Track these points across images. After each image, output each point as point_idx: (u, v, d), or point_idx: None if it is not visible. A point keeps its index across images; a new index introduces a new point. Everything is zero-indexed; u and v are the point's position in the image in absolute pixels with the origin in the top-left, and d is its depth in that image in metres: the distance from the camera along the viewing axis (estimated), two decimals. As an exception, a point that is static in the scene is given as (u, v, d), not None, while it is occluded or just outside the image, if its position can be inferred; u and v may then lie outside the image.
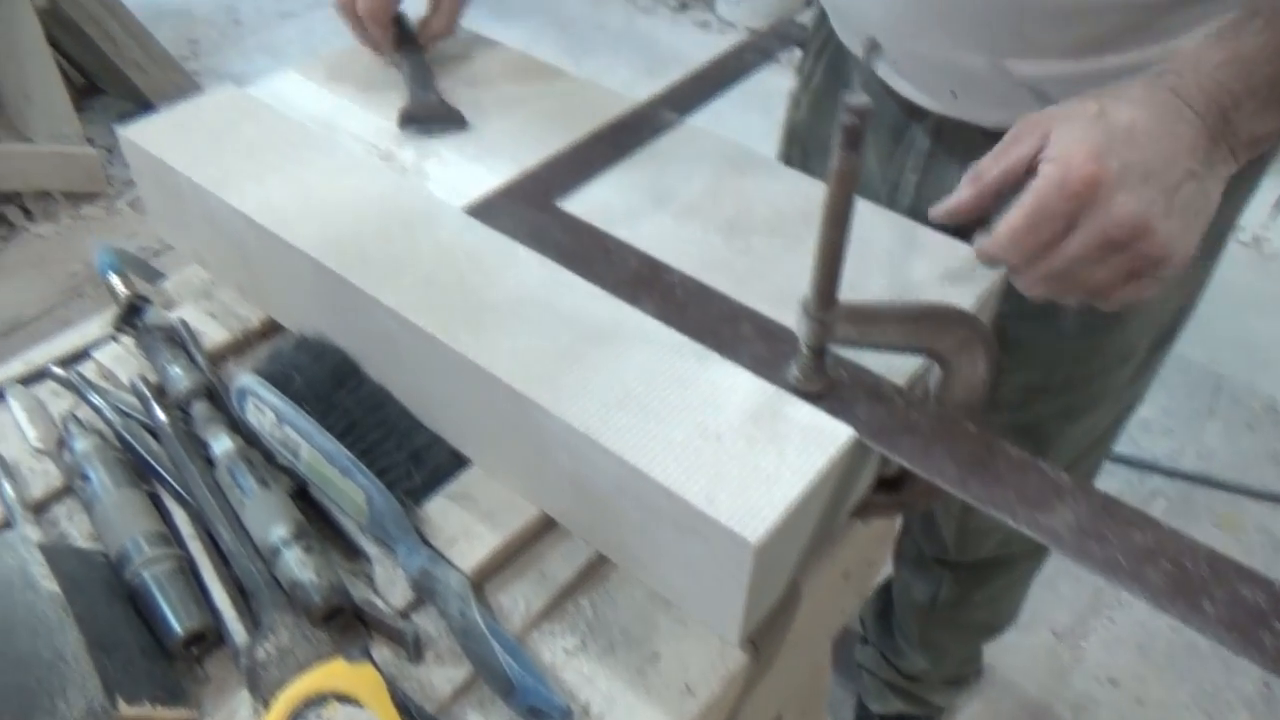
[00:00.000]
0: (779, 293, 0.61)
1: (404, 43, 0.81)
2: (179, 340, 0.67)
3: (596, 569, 0.59)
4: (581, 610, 0.57)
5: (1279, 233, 2.18)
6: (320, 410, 0.60)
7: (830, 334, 0.51)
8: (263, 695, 0.49)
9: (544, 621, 0.56)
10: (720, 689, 0.54)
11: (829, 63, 0.87)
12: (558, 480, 0.56)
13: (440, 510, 0.59)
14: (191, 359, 0.65)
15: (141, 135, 0.71)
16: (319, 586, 0.52)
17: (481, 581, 0.57)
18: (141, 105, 2.34)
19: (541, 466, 0.56)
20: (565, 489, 0.56)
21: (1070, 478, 0.49)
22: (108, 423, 0.62)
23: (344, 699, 0.48)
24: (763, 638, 0.57)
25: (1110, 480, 1.69)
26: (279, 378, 0.62)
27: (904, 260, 0.64)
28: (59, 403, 0.66)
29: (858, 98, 0.42)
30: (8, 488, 0.59)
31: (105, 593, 0.53)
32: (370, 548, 0.58)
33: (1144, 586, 0.45)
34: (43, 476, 0.62)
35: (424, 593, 0.55)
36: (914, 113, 0.76)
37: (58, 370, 0.67)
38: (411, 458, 0.60)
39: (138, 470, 0.60)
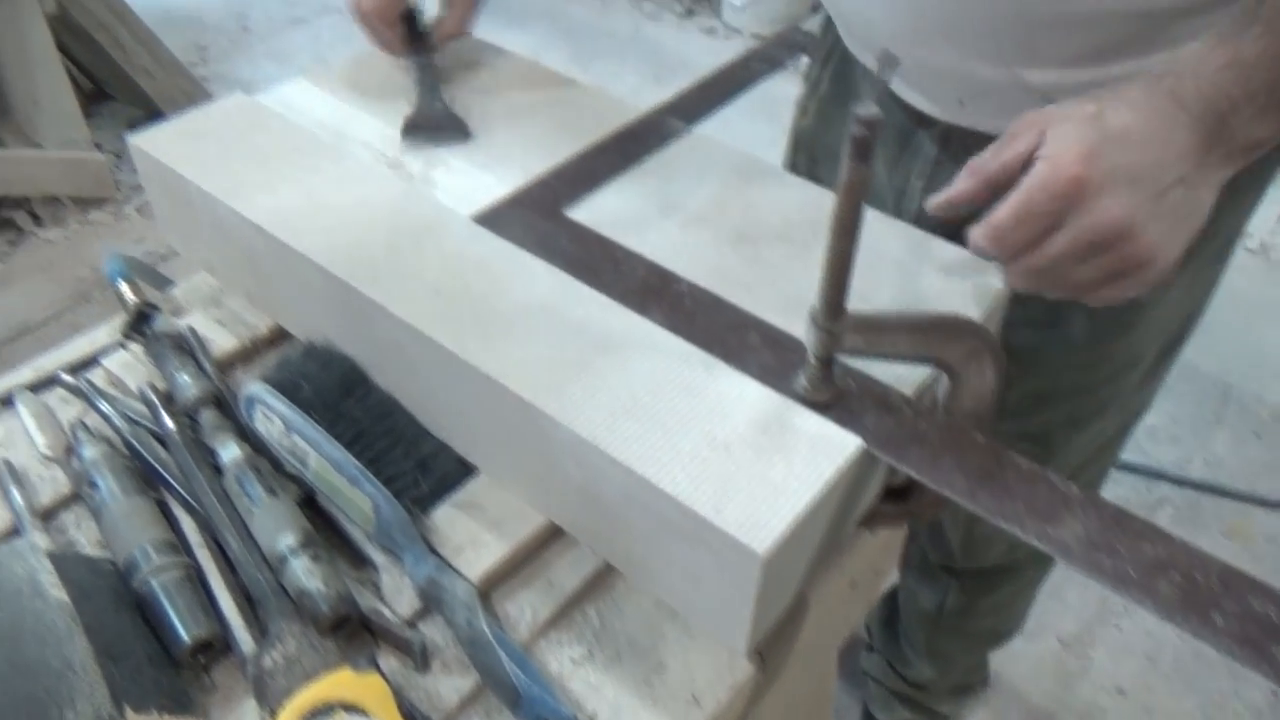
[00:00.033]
0: (787, 302, 0.61)
1: (415, 44, 0.80)
2: (187, 348, 0.67)
3: (604, 578, 0.59)
4: (588, 620, 0.57)
5: (1287, 240, 2.18)
6: (328, 418, 0.60)
7: (839, 344, 0.51)
8: (269, 704, 0.49)
9: (551, 631, 0.56)
10: (727, 699, 0.54)
11: (836, 70, 0.87)
12: (565, 489, 0.56)
13: (447, 519, 0.59)
14: (200, 367, 0.66)
15: (151, 143, 0.71)
16: (326, 595, 0.52)
17: (488, 590, 0.57)
18: (150, 111, 2.35)
19: (549, 475, 0.56)
20: (572, 498, 0.56)
21: (1079, 489, 0.49)
22: (116, 430, 0.63)
23: (351, 708, 0.48)
24: (770, 648, 0.57)
25: (1117, 488, 1.68)
26: (287, 386, 0.62)
27: (912, 269, 0.64)
28: (68, 409, 0.66)
29: (868, 109, 0.42)
30: (16, 495, 0.60)
31: (113, 601, 0.53)
32: (377, 556, 0.58)
33: (1154, 599, 0.45)
34: (51, 483, 0.62)
35: (431, 602, 0.55)
36: (921, 120, 0.76)
37: (67, 377, 0.67)
38: (419, 466, 0.60)
39: (146, 478, 0.60)
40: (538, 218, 0.67)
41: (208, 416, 0.62)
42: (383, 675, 0.51)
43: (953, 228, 0.61)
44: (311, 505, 0.60)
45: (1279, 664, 0.42)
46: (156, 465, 0.60)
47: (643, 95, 2.69)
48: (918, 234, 0.67)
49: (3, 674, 0.46)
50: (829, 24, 0.85)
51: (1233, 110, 0.53)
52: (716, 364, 0.56)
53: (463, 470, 0.62)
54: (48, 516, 0.60)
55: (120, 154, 2.26)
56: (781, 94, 0.92)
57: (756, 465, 0.50)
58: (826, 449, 0.51)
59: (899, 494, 0.61)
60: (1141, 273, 0.54)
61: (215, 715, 0.51)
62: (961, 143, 0.74)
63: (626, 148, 0.73)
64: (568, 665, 0.55)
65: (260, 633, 0.53)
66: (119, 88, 2.36)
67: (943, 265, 0.64)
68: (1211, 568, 0.46)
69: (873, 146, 0.43)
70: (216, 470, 0.60)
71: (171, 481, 0.59)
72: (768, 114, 1.10)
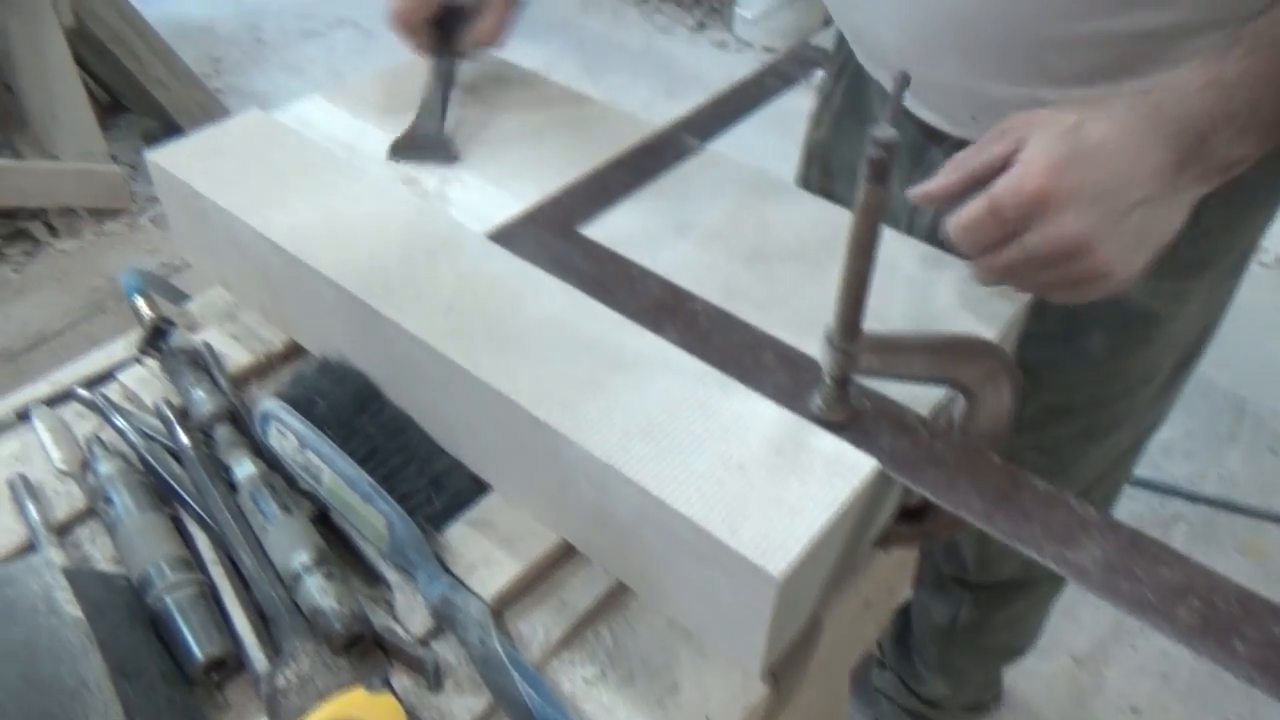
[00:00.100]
0: (802, 320, 0.61)
1: (442, 50, 0.80)
2: (203, 363, 0.67)
3: (617, 597, 0.58)
4: (601, 639, 0.57)
5: (1302, 254, 2.17)
6: (342, 435, 0.60)
7: (854, 365, 0.51)
8: (283, 723, 0.49)
9: (563, 650, 0.56)
10: (741, 721, 0.53)
11: (849, 82, 0.87)
12: (578, 508, 0.56)
13: (460, 537, 0.59)
14: (215, 382, 0.66)
15: (168, 159, 0.72)
16: (340, 614, 0.52)
17: (501, 609, 0.57)
18: (165, 123, 2.37)
19: (562, 494, 0.56)
20: (586, 517, 0.56)
21: (1096, 511, 0.49)
22: (131, 445, 0.63)
23: (364, 728, 0.48)
24: (784, 669, 0.57)
25: (1131, 504, 1.67)
26: (302, 402, 0.62)
27: (927, 288, 0.64)
28: (83, 424, 0.67)
29: (884, 132, 0.42)
30: (32, 510, 0.60)
31: (127, 617, 0.53)
32: (390, 574, 0.58)
33: (1173, 625, 0.44)
34: (66, 498, 0.62)
35: (444, 620, 0.55)
36: (933, 135, 0.76)
37: (83, 392, 0.67)
38: (432, 483, 0.60)
39: (160, 494, 0.60)
40: (552, 235, 0.67)
41: (223, 432, 0.62)
42: (395, 694, 0.51)
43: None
44: (325, 522, 0.60)
45: (1301, 692, 0.42)
46: (171, 481, 0.60)
47: (654, 108, 2.71)
48: (932, 251, 0.66)
49: (18, 691, 0.46)
50: (842, 38, 0.85)
51: (1213, 130, 0.53)
52: (731, 383, 0.55)
53: (476, 488, 0.62)
54: (63, 531, 0.60)
55: (135, 166, 2.27)
56: (793, 107, 0.92)
57: (771, 486, 0.50)
58: (842, 470, 0.51)
59: (914, 514, 0.60)
60: (1100, 284, 0.56)
61: (228, 733, 0.51)
62: None
63: (640, 165, 0.74)
64: (580, 685, 0.54)
65: (274, 651, 0.53)
66: (134, 100, 2.38)
67: (957, 282, 0.64)
68: (1231, 592, 0.45)
69: (889, 168, 0.43)
70: (231, 486, 0.60)
71: (186, 497, 0.60)
72: (779, 127, 1.10)
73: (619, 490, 0.51)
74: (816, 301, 0.62)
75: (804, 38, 2.91)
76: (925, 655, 1.22)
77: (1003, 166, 0.55)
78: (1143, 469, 1.32)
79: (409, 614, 0.56)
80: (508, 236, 0.66)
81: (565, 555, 0.59)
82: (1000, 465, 0.52)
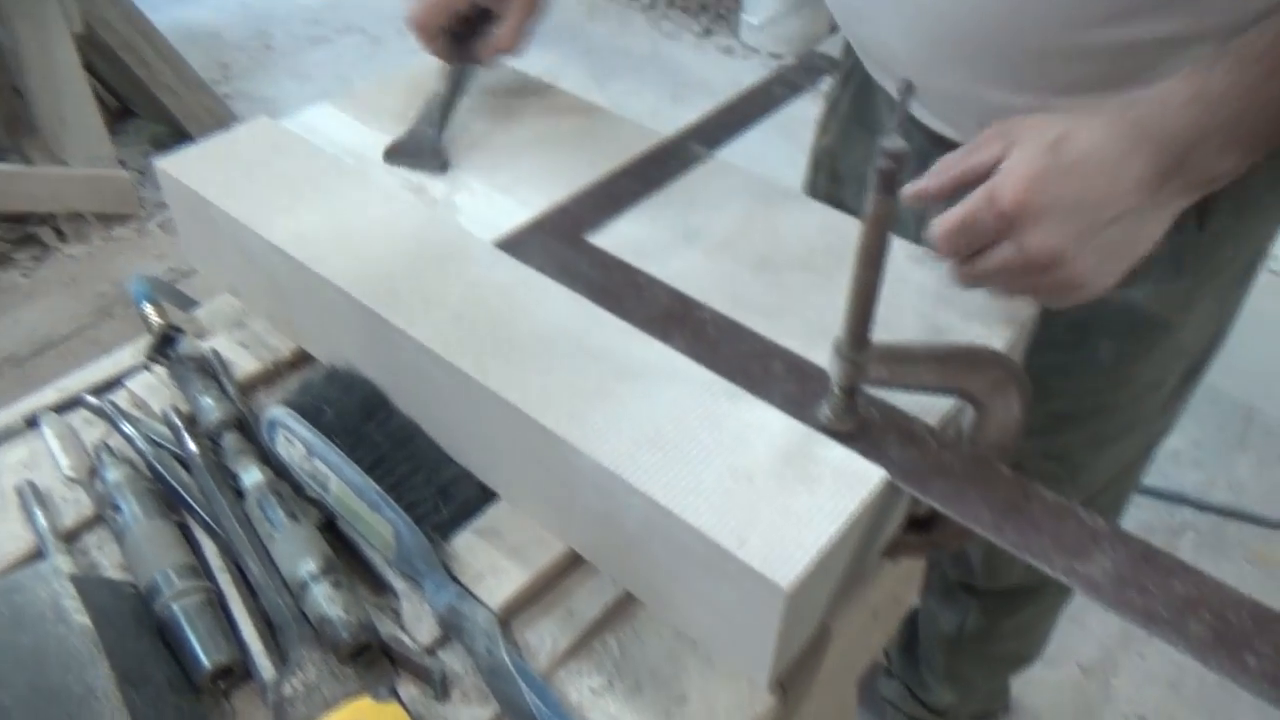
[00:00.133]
0: (810, 329, 0.60)
1: (458, 56, 0.79)
2: (210, 371, 0.67)
3: (624, 607, 0.58)
4: (608, 649, 0.56)
5: (1311, 262, 2.16)
6: (349, 443, 0.60)
7: (863, 375, 0.51)
8: (290, 732, 0.49)
9: (570, 660, 0.56)
10: (748, 732, 0.53)
11: (857, 88, 0.88)
12: (585, 517, 0.56)
13: (467, 545, 0.59)
14: (223, 390, 0.66)
15: (176, 166, 0.72)
16: (347, 623, 0.52)
17: (508, 618, 0.56)
18: (173, 128, 2.38)
19: (569, 503, 0.56)
20: (593, 526, 0.56)
21: (1107, 523, 0.48)
22: (139, 452, 0.63)
23: (371, 738, 0.48)
24: (791, 679, 0.56)
25: (1140, 513, 1.66)
26: (310, 410, 0.62)
27: (934, 295, 0.63)
28: (91, 431, 0.67)
29: (893, 142, 0.42)
30: (40, 516, 0.60)
31: (134, 625, 0.53)
32: (397, 582, 0.58)
33: (1185, 639, 0.44)
34: (74, 505, 0.62)
35: (451, 630, 0.55)
36: (939, 142, 0.76)
37: (91, 399, 0.68)
38: (440, 492, 0.60)
39: (168, 501, 0.60)
40: (560, 243, 0.67)
41: (230, 440, 0.62)
42: (402, 704, 0.51)
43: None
44: (332, 530, 0.60)
45: (1314, 707, 0.42)
46: (179, 488, 0.60)
47: (660, 114, 2.71)
48: (940, 259, 0.66)
49: (26, 699, 0.47)
50: (849, 44, 0.85)
51: (1195, 144, 0.54)
52: (739, 393, 0.55)
53: (483, 496, 0.62)
54: (71, 538, 0.60)
55: (144, 171, 2.28)
56: (798, 113, 0.92)
57: (780, 497, 0.49)
58: (850, 480, 0.51)
59: (922, 524, 0.60)
60: (1075, 293, 0.57)
61: (235, 742, 0.51)
62: None
63: (648, 173, 0.74)
64: (588, 695, 0.54)
65: (280, 659, 0.53)
66: (143, 105, 2.39)
67: (966, 292, 0.64)
68: (1243, 606, 0.45)
69: (898, 179, 0.43)
70: (238, 494, 0.60)
71: (193, 505, 0.60)
72: (785, 133, 1.10)
73: (626, 500, 0.51)
74: (824, 311, 0.62)
75: (810, 44, 2.91)
76: (932, 664, 1.21)
77: (988, 172, 0.56)
78: (1151, 477, 1.32)
79: (416, 623, 0.56)
80: (515, 245, 0.66)
81: (572, 564, 0.59)
82: (1009, 476, 0.52)
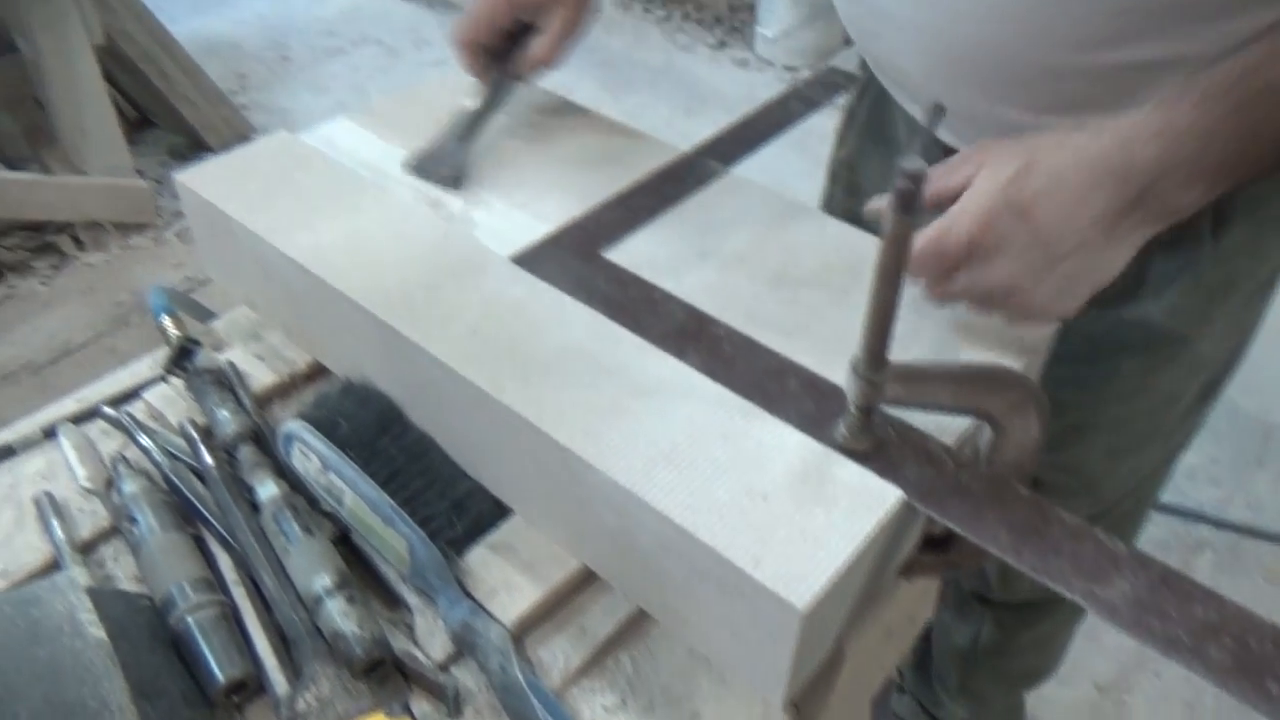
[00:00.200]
0: (826, 346, 0.60)
1: (496, 71, 0.79)
2: (227, 383, 0.68)
3: (637, 624, 0.58)
4: (622, 667, 0.56)
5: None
6: (364, 457, 0.60)
7: (880, 394, 0.51)
8: (303, 748, 0.49)
9: (583, 678, 0.56)
10: (762, 753, 0.53)
11: (873, 101, 0.88)
12: (599, 534, 0.56)
13: (481, 561, 0.59)
14: (239, 402, 0.66)
15: (196, 180, 0.73)
16: (361, 638, 0.52)
17: (522, 635, 0.56)
18: (191, 138, 2.40)
19: (583, 520, 0.56)
20: (607, 543, 0.56)
21: (1126, 546, 0.48)
22: (155, 464, 0.63)
23: (384, 755, 0.48)
24: (805, 699, 0.56)
25: (1156, 530, 1.65)
26: (325, 423, 0.62)
27: (953, 317, 0.63)
28: (109, 442, 0.67)
29: (912, 162, 0.42)
30: (57, 528, 0.60)
31: (149, 638, 0.53)
32: (411, 597, 0.58)
33: (1205, 665, 0.43)
34: (91, 516, 0.62)
35: (464, 646, 0.55)
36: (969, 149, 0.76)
37: (108, 410, 0.68)
38: (454, 507, 0.60)
39: (184, 513, 0.61)
40: (576, 259, 0.67)
41: (246, 453, 0.63)
42: (415, 721, 0.51)
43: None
44: (346, 543, 0.60)
45: (1338, 736, 0.41)
46: (195, 501, 0.61)
47: (675, 126, 2.72)
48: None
49: (41, 712, 0.47)
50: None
51: (1159, 178, 0.54)
52: (755, 410, 0.55)
53: (497, 511, 0.62)
54: (87, 549, 0.61)
55: (161, 181, 2.30)
56: (814, 126, 0.92)
57: (796, 516, 0.49)
58: (867, 500, 0.50)
59: (939, 543, 0.60)
60: (1038, 319, 0.59)
61: (248, 757, 0.51)
62: None
63: (664, 189, 0.74)
64: (600, 713, 0.54)
65: (294, 674, 0.53)
66: (162, 115, 2.42)
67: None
68: (1265, 632, 0.45)
69: (917, 199, 0.43)
70: (254, 507, 0.60)
71: (209, 518, 0.60)
72: (800, 147, 1.11)
73: (641, 517, 0.51)
74: (840, 327, 0.61)
75: (825, 57, 2.92)
76: (946, 680, 1.20)
77: (959, 193, 0.57)
78: (1168, 494, 1.31)
79: (429, 639, 0.56)
80: (532, 260, 0.66)
81: (586, 581, 0.59)
82: (1028, 497, 0.51)
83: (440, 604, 0.56)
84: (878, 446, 0.53)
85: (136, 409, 0.69)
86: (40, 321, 1.98)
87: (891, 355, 0.49)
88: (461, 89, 0.81)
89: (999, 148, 0.58)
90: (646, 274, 0.66)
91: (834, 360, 0.58)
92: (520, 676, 0.52)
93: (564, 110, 0.85)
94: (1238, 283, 0.74)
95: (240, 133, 2.44)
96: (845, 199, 0.94)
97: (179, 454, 0.64)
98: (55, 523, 0.60)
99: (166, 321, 0.72)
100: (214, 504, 0.60)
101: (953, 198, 0.57)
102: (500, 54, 0.79)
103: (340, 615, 0.53)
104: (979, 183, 0.56)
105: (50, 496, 0.62)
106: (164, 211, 2.24)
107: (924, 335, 0.62)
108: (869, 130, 0.90)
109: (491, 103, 0.79)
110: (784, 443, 0.53)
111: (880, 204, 0.64)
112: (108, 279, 2.09)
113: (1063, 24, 0.60)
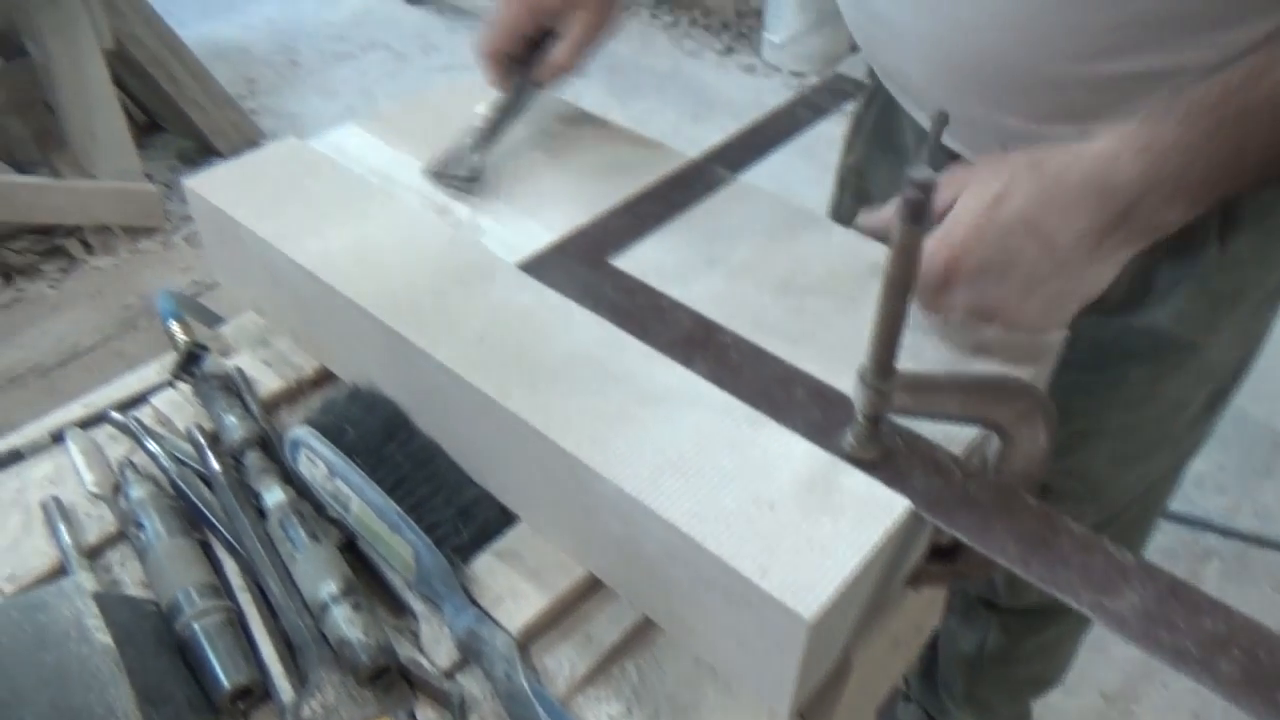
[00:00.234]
0: (833, 355, 0.60)
1: (517, 79, 0.79)
2: (234, 389, 0.68)
3: (643, 632, 0.58)
4: (627, 675, 0.56)
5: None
6: (371, 463, 0.60)
7: (888, 404, 0.51)
8: (308, 755, 0.49)
9: (589, 686, 0.55)
10: (768, 763, 0.53)
11: (881, 107, 0.88)
12: (606, 542, 0.56)
13: (487, 568, 0.59)
14: (246, 408, 0.66)
15: (205, 186, 0.73)
16: (367, 646, 0.52)
17: (527, 643, 0.56)
18: (200, 142, 2.41)
19: (590, 528, 0.56)
20: (613, 552, 0.56)
21: (1136, 558, 0.48)
22: (163, 470, 0.63)
23: (389, 763, 0.48)
24: (811, 709, 0.56)
25: (1163, 538, 1.64)
26: (332, 430, 0.62)
27: (961, 326, 0.63)
28: (116, 447, 0.67)
29: (922, 172, 0.42)
30: (64, 532, 0.60)
31: (155, 643, 0.53)
32: (417, 604, 0.58)
33: (1214, 677, 0.43)
34: (98, 521, 0.63)
35: (469, 653, 0.55)
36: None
37: (116, 415, 0.68)
38: (460, 514, 0.60)
39: (190, 519, 0.61)
40: (583, 266, 0.67)
41: (253, 459, 0.63)
42: (421, 728, 0.50)
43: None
44: (352, 549, 0.60)
45: (1349, 750, 0.41)
46: (201, 507, 0.61)
47: (681, 132, 2.72)
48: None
49: (48, 717, 0.47)
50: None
51: (1141, 196, 0.54)
52: (762, 419, 0.55)
53: (503, 518, 0.62)
54: (94, 554, 0.61)
55: (170, 185, 2.31)
56: (822, 133, 0.92)
57: (803, 526, 0.49)
58: (874, 510, 0.50)
59: (946, 553, 0.60)
60: (1025, 332, 0.60)
61: (253, 764, 0.51)
62: None
63: (672, 196, 0.74)
64: (606, 722, 0.54)
65: (300, 681, 0.53)
66: (171, 120, 2.43)
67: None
68: (1274, 644, 0.44)
69: (926, 209, 0.43)
70: (260, 513, 0.60)
71: (216, 523, 0.60)
72: (807, 153, 1.10)
73: (647, 526, 0.51)
74: (848, 336, 0.61)
75: (832, 62, 2.92)
76: (952, 687, 1.20)
77: (945, 212, 0.58)
78: (1176, 503, 1.30)
79: (435, 646, 0.56)
80: (539, 267, 0.66)
81: (592, 589, 0.59)
82: (1036, 507, 0.51)
83: (446, 611, 0.56)
84: (885, 456, 0.53)
85: (144, 414, 0.69)
86: (48, 325, 1.99)
87: (899, 364, 0.49)
88: (471, 94, 0.81)
89: (981, 169, 0.58)
90: (654, 281, 0.66)
91: (841, 369, 0.58)
92: (525, 684, 0.52)
93: (572, 117, 0.85)
94: (1246, 291, 0.74)
95: (249, 137, 2.45)
96: (853, 206, 0.94)
97: (186, 459, 0.64)
98: (62, 527, 0.60)
99: (174, 326, 0.72)
100: (220, 510, 0.60)
101: (938, 217, 0.57)
102: (522, 61, 0.79)
103: (346, 622, 0.53)
104: (960, 204, 0.57)
105: (57, 501, 0.62)
106: (172, 216, 2.25)
107: (931, 344, 0.61)
108: (877, 137, 0.90)
109: (512, 109, 0.79)
110: (791, 451, 0.53)
111: (869, 221, 0.65)
112: (116, 283, 2.10)
113: (1062, 34, 0.61)
